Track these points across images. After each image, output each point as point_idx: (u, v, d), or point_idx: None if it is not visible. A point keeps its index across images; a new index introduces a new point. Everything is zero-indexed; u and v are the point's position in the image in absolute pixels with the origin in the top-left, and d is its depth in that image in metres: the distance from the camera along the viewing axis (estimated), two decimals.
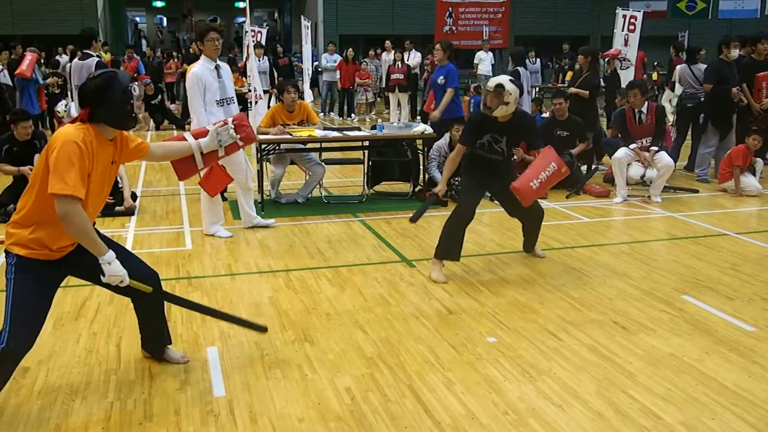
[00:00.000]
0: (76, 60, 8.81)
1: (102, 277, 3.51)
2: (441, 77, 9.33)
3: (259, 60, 14.77)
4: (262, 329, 4.33)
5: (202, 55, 6.65)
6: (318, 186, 8.53)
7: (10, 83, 10.55)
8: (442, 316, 4.88)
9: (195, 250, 6.50)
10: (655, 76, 17.05)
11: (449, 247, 5.62)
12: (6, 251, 3.49)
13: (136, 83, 3.58)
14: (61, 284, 3.74)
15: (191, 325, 4.67)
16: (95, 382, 3.92)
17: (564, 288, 5.41)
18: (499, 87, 5.44)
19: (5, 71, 10.32)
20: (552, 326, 4.68)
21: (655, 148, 8.21)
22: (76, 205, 3.30)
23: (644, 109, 8.31)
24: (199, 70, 6.51)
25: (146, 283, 3.78)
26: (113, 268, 3.49)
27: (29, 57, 12.16)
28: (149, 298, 3.90)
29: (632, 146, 8.28)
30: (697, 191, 8.94)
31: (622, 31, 13.74)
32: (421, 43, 19.70)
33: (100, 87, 3.44)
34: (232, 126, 4.40)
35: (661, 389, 3.81)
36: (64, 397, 3.76)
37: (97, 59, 8.89)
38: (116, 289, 3.76)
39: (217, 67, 6.61)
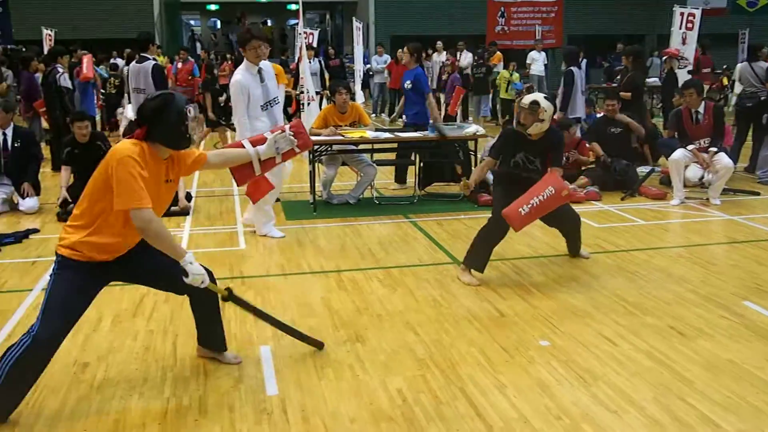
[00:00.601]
0: (133, 63, 9.00)
1: (185, 278, 3.59)
2: (408, 81, 9.01)
3: (310, 62, 14.88)
4: (319, 345, 4.34)
5: (245, 61, 6.61)
6: (369, 187, 8.54)
7: (71, 86, 10.82)
8: (494, 318, 4.85)
9: (248, 250, 6.58)
10: (725, 80, 16.42)
11: (476, 257, 5.59)
12: (55, 252, 3.60)
13: (192, 105, 3.62)
14: (118, 282, 3.83)
15: (245, 324, 4.72)
16: (152, 379, 4.00)
17: (619, 292, 5.32)
18: (534, 104, 5.40)
19: (66, 74, 10.58)
20: (607, 331, 4.60)
21: (714, 149, 8.02)
22: (150, 214, 3.42)
23: (701, 109, 8.13)
24: (243, 78, 6.48)
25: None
26: (195, 268, 3.60)
27: (86, 59, 12.49)
28: (206, 298, 3.96)
29: (690, 147, 8.11)
30: (758, 194, 8.69)
31: (680, 29, 13.48)
32: (473, 44, 19.60)
33: (157, 108, 3.55)
34: (291, 133, 4.44)
35: (720, 397, 3.72)
36: (122, 392, 3.84)
37: (154, 62, 9.07)
38: (175, 288, 3.86)
39: (259, 71, 6.59)
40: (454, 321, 4.79)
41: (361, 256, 6.33)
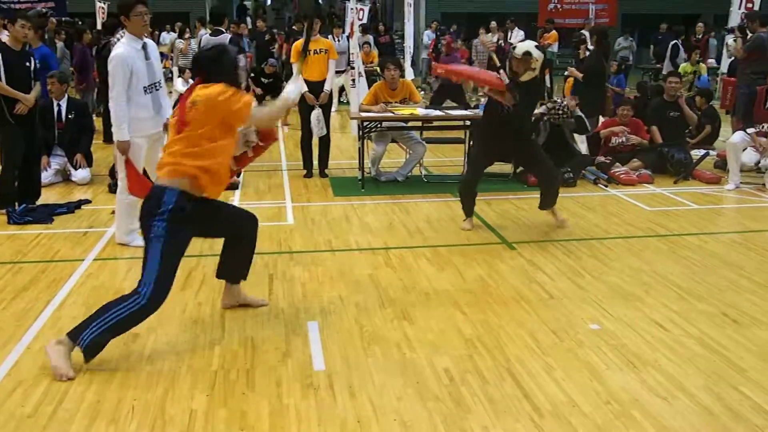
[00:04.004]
0: (206, 36, 9.16)
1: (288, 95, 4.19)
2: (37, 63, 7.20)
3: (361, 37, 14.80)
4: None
5: (126, 33, 5.66)
6: (418, 165, 8.50)
7: None
8: (543, 300, 4.79)
9: (296, 225, 6.61)
10: None
11: (463, 205, 6.41)
12: (160, 190, 3.87)
13: (242, 55, 3.68)
14: None
15: (292, 299, 4.75)
16: (200, 351, 4.04)
17: (671, 277, 5.21)
18: (527, 54, 5.75)
19: None
20: (657, 316, 4.52)
21: None
22: (252, 109, 3.92)
23: None
24: (125, 51, 5.51)
25: (251, 220, 4.40)
26: (291, 89, 4.22)
27: None
28: (245, 240, 4.37)
29: (750, 130, 7.88)
30: None
31: (739, 8, 13.07)
32: (524, 22, 19.28)
33: (214, 56, 4.08)
34: (254, 129, 4.35)
35: None
36: (171, 363, 3.89)
37: (231, 35, 9.26)
38: (219, 230, 4.32)
39: (144, 46, 5.66)
40: (502, 302, 4.75)
41: (409, 234, 6.31)
